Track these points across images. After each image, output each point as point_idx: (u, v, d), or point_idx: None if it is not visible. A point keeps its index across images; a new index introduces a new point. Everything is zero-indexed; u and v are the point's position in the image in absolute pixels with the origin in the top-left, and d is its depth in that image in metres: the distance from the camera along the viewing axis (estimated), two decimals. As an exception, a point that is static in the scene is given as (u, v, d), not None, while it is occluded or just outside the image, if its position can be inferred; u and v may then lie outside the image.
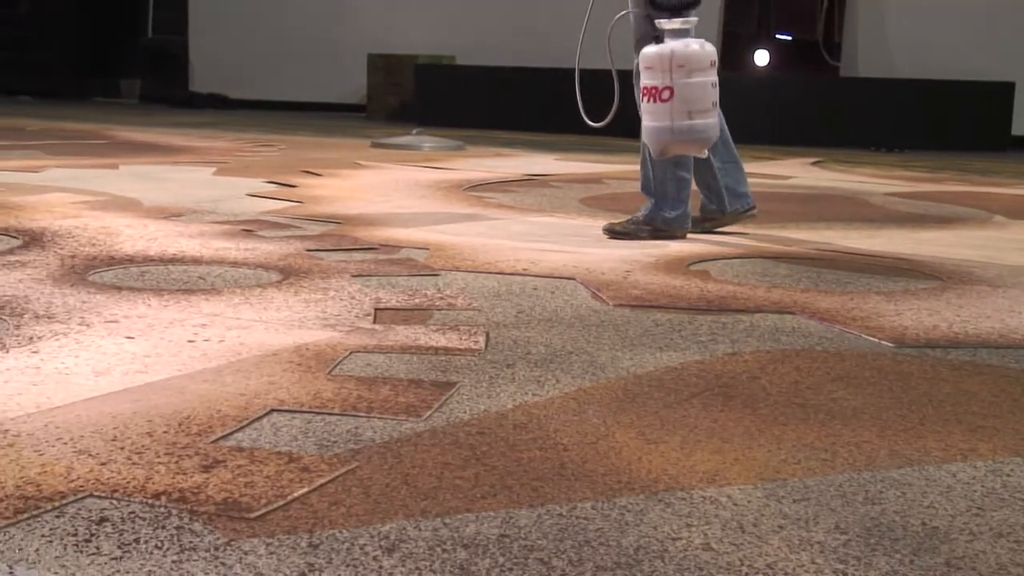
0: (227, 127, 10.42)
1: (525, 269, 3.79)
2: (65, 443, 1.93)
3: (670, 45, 4.13)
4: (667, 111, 4.14)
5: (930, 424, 2.22)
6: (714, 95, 4.18)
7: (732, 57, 11.97)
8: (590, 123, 4.54)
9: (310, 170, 6.66)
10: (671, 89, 4.11)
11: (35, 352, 2.52)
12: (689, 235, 4.54)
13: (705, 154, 4.37)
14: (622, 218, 4.66)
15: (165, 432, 2.01)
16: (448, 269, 3.74)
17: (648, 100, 4.19)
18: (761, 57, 12.15)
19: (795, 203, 6.08)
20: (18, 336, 2.66)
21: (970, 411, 2.32)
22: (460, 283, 3.52)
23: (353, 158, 7.65)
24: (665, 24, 4.16)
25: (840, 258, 4.24)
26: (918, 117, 10.23)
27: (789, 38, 12.74)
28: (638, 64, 4.29)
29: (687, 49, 4.12)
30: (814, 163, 8.50)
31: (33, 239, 4.01)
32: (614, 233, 4.54)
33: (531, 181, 6.70)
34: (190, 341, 2.66)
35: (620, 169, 7.39)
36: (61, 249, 3.82)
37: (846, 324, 3.07)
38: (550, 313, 3.16)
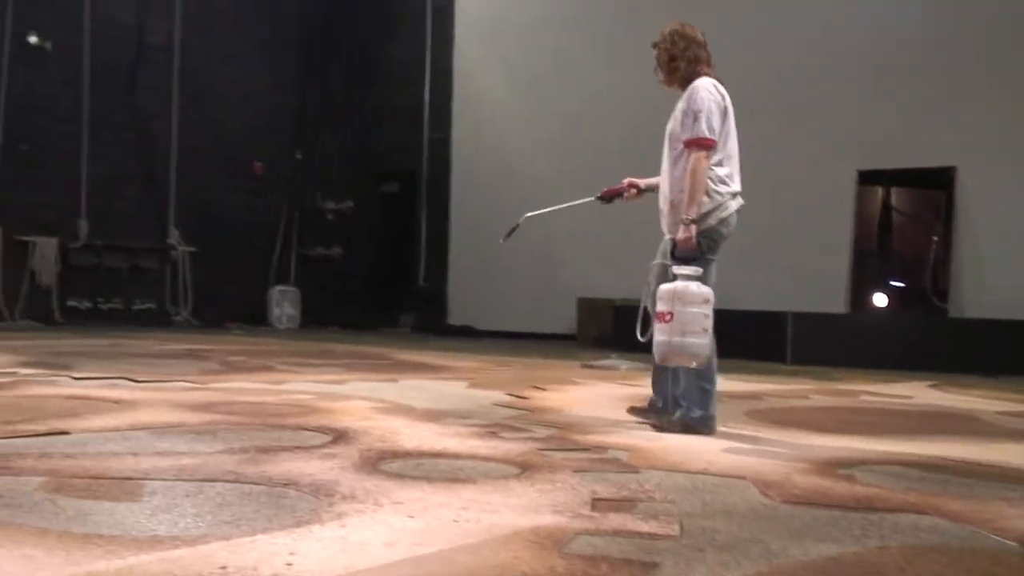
0: (475, 351, 10.59)
1: (705, 469, 3.66)
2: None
3: (675, 283, 4.37)
4: (668, 330, 4.33)
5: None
6: (706, 323, 4.35)
7: (857, 299, 11.68)
8: (640, 338, 4.75)
9: (537, 385, 6.67)
10: (672, 314, 4.30)
11: (343, 526, 2.54)
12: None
13: (693, 365, 4.45)
14: (776, 430, 4.54)
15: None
16: (646, 468, 3.64)
17: (658, 322, 4.41)
18: (879, 299, 11.82)
19: (919, 419, 5.77)
20: (331, 512, 2.69)
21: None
22: (656, 479, 3.42)
23: (569, 376, 7.65)
24: (677, 270, 4.42)
25: (963, 467, 3.96)
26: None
27: (902, 284, 12.39)
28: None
29: (686, 287, 4.35)
30: (931, 385, 8.06)
31: (340, 436, 4.09)
32: (655, 427, 4.62)
33: (706, 396, 6.54)
34: (455, 521, 2.64)
35: (775, 388, 7.18)
36: (360, 444, 3.88)
37: (976, 524, 2.85)
38: (728, 506, 3.03)
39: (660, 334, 4.39)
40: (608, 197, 5.15)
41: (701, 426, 4.52)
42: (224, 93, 15.34)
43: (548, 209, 5.56)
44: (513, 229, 5.33)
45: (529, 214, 5.40)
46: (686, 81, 4.65)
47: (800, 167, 11.64)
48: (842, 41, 11.53)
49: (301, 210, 16.47)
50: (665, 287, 4.42)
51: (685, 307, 4.31)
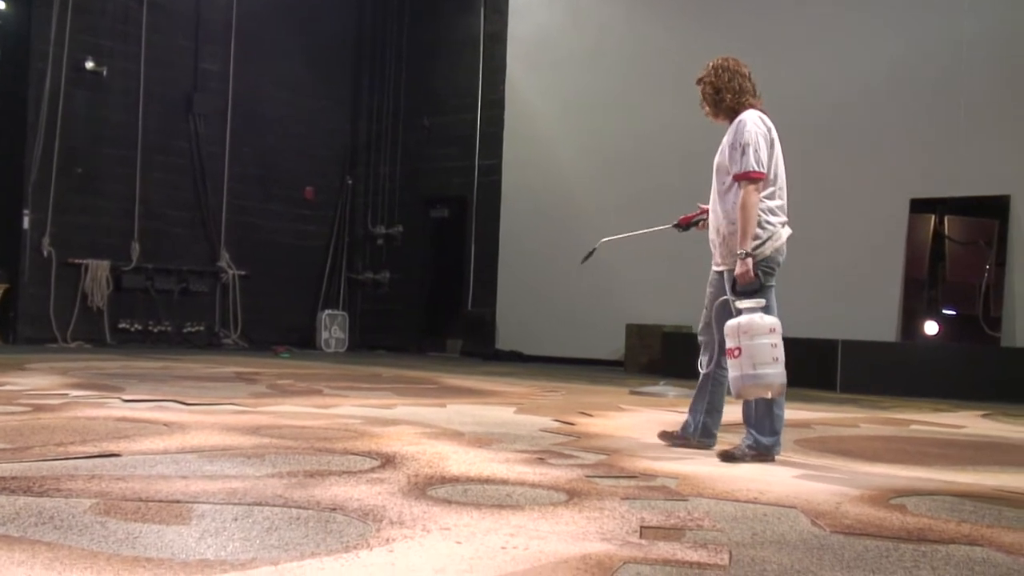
0: (523, 376, 10.58)
1: (755, 498, 3.63)
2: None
3: (739, 318, 4.34)
4: (739, 364, 4.31)
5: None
6: (775, 352, 4.31)
7: (908, 327, 11.50)
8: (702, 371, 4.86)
9: (584, 411, 6.65)
10: (740, 349, 4.29)
11: (391, 552, 2.54)
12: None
13: (770, 396, 4.42)
14: (826, 458, 4.48)
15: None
16: (694, 495, 3.62)
17: (728, 358, 4.39)
18: (930, 327, 11.63)
19: (971, 449, 5.66)
20: (378, 537, 2.70)
21: None
22: (705, 508, 3.40)
23: (616, 403, 7.61)
24: (740, 304, 4.39)
25: (1016, 498, 3.88)
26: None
27: (954, 313, 12.18)
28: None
29: (750, 320, 4.32)
30: (983, 415, 7.92)
31: (388, 461, 4.11)
32: (727, 456, 4.55)
33: (754, 424, 6.47)
34: (502, 548, 2.64)
35: (825, 416, 7.10)
36: (407, 469, 3.90)
37: (1031, 558, 2.79)
38: (778, 536, 2.99)
39: (732, 369, 4.38)
40: (684, 225, 5.13)
41: (773, 452, 4.57)
42: (276, 119, 15.57)
43: (625, 235, 5.58)
44: (590, 253, 5.36)
45: (606, 239, 5.44)
46: (733, 113, 4.66)
47: (852, 195, 11.55)
48: (896, 69, 11.44)
49: (351, 235, 16.62)
50: (730, 323, 4.38)
51: (752, 340, 4.28)
